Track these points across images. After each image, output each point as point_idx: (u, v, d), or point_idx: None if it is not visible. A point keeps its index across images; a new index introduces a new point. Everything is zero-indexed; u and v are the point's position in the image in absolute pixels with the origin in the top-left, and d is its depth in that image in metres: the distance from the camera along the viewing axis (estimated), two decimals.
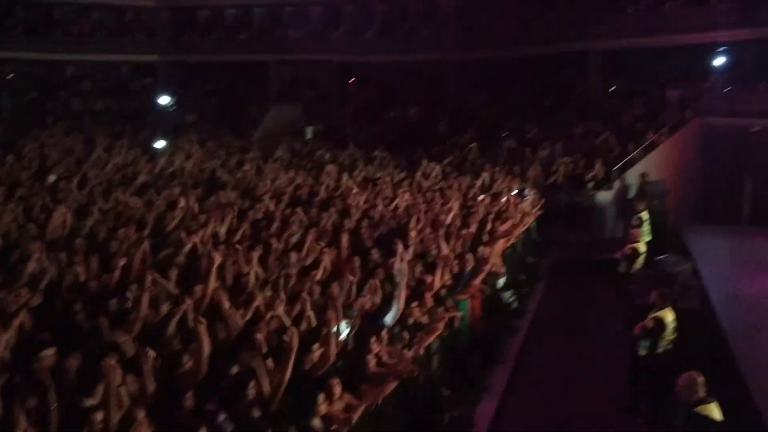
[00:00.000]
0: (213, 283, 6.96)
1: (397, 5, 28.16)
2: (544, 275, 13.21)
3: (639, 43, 20.39)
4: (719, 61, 18.93)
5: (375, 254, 9.56)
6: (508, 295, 10.65)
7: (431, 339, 7.72)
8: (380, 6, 28.50)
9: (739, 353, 7.41)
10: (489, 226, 11.63)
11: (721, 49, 18.83)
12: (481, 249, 10.35)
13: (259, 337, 6.10)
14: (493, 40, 25.15)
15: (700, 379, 5.47)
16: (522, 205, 13.57)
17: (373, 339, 6.84)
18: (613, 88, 22.42)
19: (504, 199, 13.49)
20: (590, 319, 10.78)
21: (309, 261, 8.91)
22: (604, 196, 16.25)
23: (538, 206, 14.28)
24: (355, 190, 13.54)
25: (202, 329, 5.65)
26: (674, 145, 17.46)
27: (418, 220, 11.22)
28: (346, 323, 6.85)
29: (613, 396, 8.02)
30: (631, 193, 16.08)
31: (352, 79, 29.23)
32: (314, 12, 29.31)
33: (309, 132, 24.25)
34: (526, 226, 13.11)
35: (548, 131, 19.97)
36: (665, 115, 18.54)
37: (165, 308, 6.59)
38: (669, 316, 7.69)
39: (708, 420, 5.21)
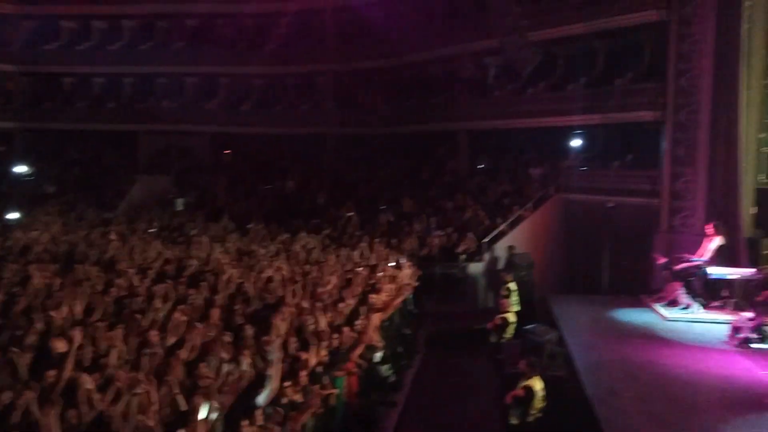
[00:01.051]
0: (70, 365, 6.46)
1: (273, 80, 28.70)
2: (420, 347, 13.41)
3: (504, 124, 21.99)
4: (576, 142, 20.77)
5: (248, 330, 9.30)
6: (385, 369, 10.66)
7: (305, 418, 7.52)
8: (257, 80, 28.93)
9: (601, 417, 7.83)
10: (367, 299, 11.72)
11: (577, 131, 20.71)
12: (358, 322, 10.37)
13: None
14: (370, 118, 26.19)
15: None
16: (399, 277, 13.84)
17: (245, 421, 6.57)
18: (481, 166, 23.89)
19: (381, 272, 13.70)
20: (464, 390, 11.00)
21: (175, 339, 8.51)
22: (476, 268, 17.00)
23: (414, 278, 14.62)
24: (227, 264, 13.21)
25: (51, 420, 5.18)
26: (538, 220, 18.74)
27: (294, 294, 11.10)
28: (214, 405, 6.54)
29: None
30: (500, 265, 16.96)
31: (228, 150, 29.09)
32: (189, 83, 29.17)
33: (180, 204, 23.60)
34: (403, 298, 13.34)
35: (423, 205, 20.77)
36: (529, 191, 19.91)
37: (6, 397, 6.00)
38: (538, 384, 8.05)
39: None
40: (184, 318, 8.87)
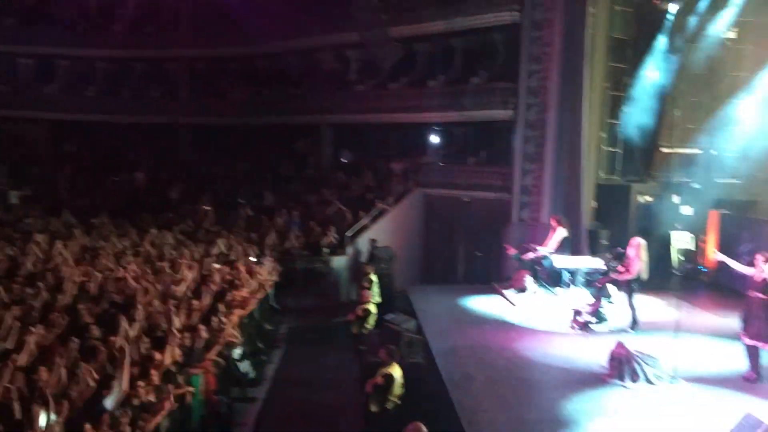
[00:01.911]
0: None
1: (120, 64, 27.22)
2: (282, 342, 13.45)
3: (366, 119, 22.48)
4: (435, 138, 21.69)
5: (95, 331, 8.89)
6: (245, 365, 10.61)
7: (159, 419, 7.34)
8: (102, 63, 27.27)
9: (456, 401, 8.33)
10: (225, 296, 11.58)
11: (436, 128, 21.63)
12: (216, 320, 10.25)
13: None
14: (227, 108, 25.64)
15: (424, 429, 6.05)
16: (259, 272, 13.77)
17: (88, 426, 6.30)
18: (344, 160, 24.24)
19: (240, 268, 13.56)
20: (326, 382, 11.20)
21: (10, 344, 7.96)
22: (338, 262, 17.29)
23: (275, 273, 14.61)
24: (70, 262, 12.47)
25: None
26: (399, 214, 19.38)
27: (146, 293, 10.73)
28: (53, 412, 6.22)
29: None
30: (362, 258, 17.37)
31: (70, 139, 27.22)
32: (22, 64, 26.92)
33: (14, 197, 21.78)
34: (263, 294, 13.30)
35: (284, 199, 20.74)
36: (391, 186, 20.54)
37: None
38: (396, 372, 8.41)
39: None
40: (17, 321, 8.31)
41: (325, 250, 17.43)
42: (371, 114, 22.08)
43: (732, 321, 10.02)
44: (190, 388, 8.45)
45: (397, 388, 8.33)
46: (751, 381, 8.87)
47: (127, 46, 26.29)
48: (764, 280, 8.71)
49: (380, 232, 18.28)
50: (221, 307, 10.93)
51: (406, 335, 10.51)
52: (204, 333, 9.70)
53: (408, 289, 15.18)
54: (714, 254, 11.37)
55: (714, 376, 9.09)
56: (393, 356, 8.55)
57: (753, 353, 8.93)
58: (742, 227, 13.86)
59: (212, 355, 9.48)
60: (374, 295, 13.21)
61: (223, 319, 10.31)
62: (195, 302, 10.89)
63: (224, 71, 26.59)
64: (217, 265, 13.44)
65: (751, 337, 8.88)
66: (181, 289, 11.36)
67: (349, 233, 17.84)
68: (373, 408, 8.28)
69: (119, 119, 26.09)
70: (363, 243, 17.84)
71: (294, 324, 14.65)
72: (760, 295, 8.76)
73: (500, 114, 18.27)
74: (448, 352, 10.27)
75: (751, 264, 8.98)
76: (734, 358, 9.32)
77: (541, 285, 13.79)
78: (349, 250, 17.67)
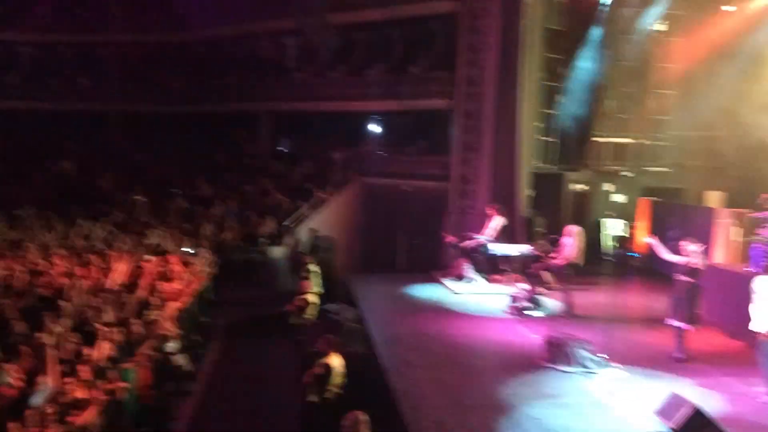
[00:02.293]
0: None
1: (46, 49, 26.08)
2: (219, 334, 13.23)
3: (305, 107, 22.28)
4: (375, 127, 21.69)
5: (19, 327, 8.54)
6: (180, 359, 10.37)
7: (90, 414, 7.11)
8: (25, 48, 26.08)
9: (396, 388, 8.39)
10: (159, 289, 11.32)
11: (376, 117, 21.63)
12: (150, 313, 10.00)
13: None
14: (160, 95, 24.94)
15: (363, 418, 6.02)
16: (194, 263, 13.50)
17: (12, 425, 6.06)
18: (282, 149, 23.98)
19: (175, 259, 13.26)
20: (265, 374, 11.09)
21: None
22: (277, 252, 17.12)
23: (212, 264, 14.36)
24: None
25: None
26: (340, 203, 19.34)
27: (74, 286, 10.37)
28: None
29: None
30: (302, 248, 17.25)
31: None
32: None
33: None
34: (199, 286, 13.05)
35: (221, 189, 20.37)
36: (331, 175, 20.45)
37: None
38: (336, 361, 8.38)
39: None
40: None
41: (264, 240, 17.23)
42: (310, 102, 21.92)
43: (661, 304, 10.40)
44: (123, 384, 8.22)
45: (337, 378, 8.30)
46: (678, 361, 9.27)
47: (54, 30, 25.20)
48: (690, 265, 9.10)
49: (320, 221, 18.20)
50: (155, 300, 10.67)
51: (347, 324, 10.52)
52: (137, 327, 9.47)
53: (348, 278, 15.18)
54: (645, 240, 11.79)
55: (644, 358, 9.45)
56: (332, 346, 8.52)
57: (679, 335, 9.33)
58: (671, 214, 14.42)
59: (146, 349, 9.24)
60: (314, 285, 13.13)
61: (157, 313, 10.07)
62: (127, 296, 10.60)
63: (158, 58, 25.83)
64: (150, 257, 13.10)
65: (678, 320, 9.28)
66: (112, 283, 11.04)
67: (288, 223, 17.68)
68: (312, 398, 8.24)
69: (45, 106, 25.03)
70: (302, 233, 17.73)
71: (232, 316, 14.43)
72: (687, 279, 9.15)
73: (439, 103, 18.41)
74: (389, 340, 10.33)
75: (677, 249, 9.37)
76: (663, 340, 9.71)
77: (480, 272, 14.02)
78: (288, 240, 17.52)
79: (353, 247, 19.24)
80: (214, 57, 24.89)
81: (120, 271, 11.52)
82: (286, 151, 23.84)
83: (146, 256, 13.08)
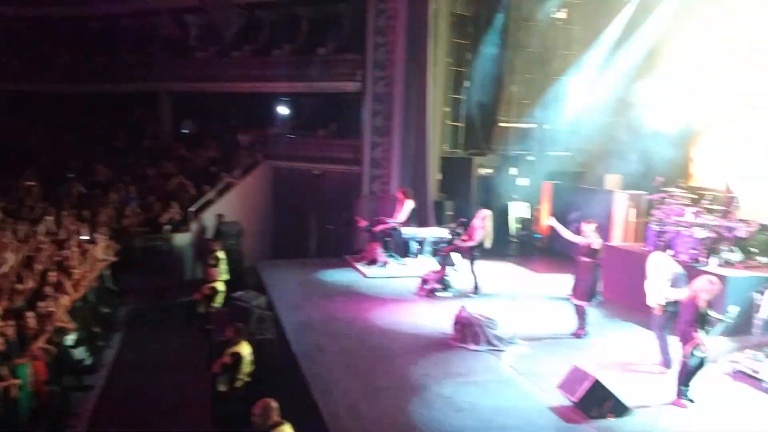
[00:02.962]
0: None
1: None
2: (121, 325, 12.76)
3: (208, 88, 21.58)
4: (283, 110, 21.37)
5: None
6: (79, 352, 9.94)
7: None
8: None
9: (307, 374, 8.38)
10: (53, 278, 10.75)
11: (284, 99, 21.29)
12: (43, 305, 9.50)
13: None
14: (51, 73, 23.49)
15: (274, 405, 5.99)
16: (92, 252, 12.91)
17: None
18: (186, 131, 23.20)
19: (70, 247, 12.63)
20: (171, 364, 10.82)
21: None
22: (182, 239, 16.63)
23: (112, 252, 13.79)
24: None
25: None
26: (247, 187, 18.98)
27: None
28: None
29: None
30: (208, 234, 16.84)
31: None
32: None
33: None
34: (97, 275, 12.52)
35: (120, 173, 19.52)
36: (238, 158, 20.00)
37: None
38: (245, 349, 8.27)
39: None
40: None
41: (167, 226, 16.69)
42: (213, 83, 21.25)
43: (564, 283, 10.89)
44: (16, 380, 7.79)
45: (246, 366, 8.20)
46: (580, 337, 9.77)
47: None
48: (590, 245, 9.57)
49: (227, 206, 17.80)
50: (49, 290, 10.14)
51: (257, 312, 10.36)
52: (31, 319, 8.98)
53: (258, 264, 14.97)
54: (546, 221, 12.27)
55: (548, 335, 9.89)
56: (241, 334, 8.41)
57: (581, 312, 9.83)
58: (572, 196, 15.06)
59: (41, 342, 8.79)
60: (222, 273, 12.87)
61: (52, 304, 9.57)
62: (18, 286, 10.02)
63: (49, 33, 24.28)
64: (43, 246, 12.41)
65: (579, 298, 9.76)
66: (1, 272, 10.40)
67: (193, 208, 17.19)
68: (222, 388, 8.12)
69: None
70: (209, 218, 17.30)
71: (134, 306, 13.95)
72: (586, 259, 9.62)
73: (348, 86, 18.34)
74: (300, 326, 10.29)
75: (578, 231, 9.82)
76: (566, 317, 10.18)
77: (391, 256, 14.18)
78: (194, 226, 17.06)
79: (262, 233, 18.98)
80: (111, 33, 23.64)
81: (9, 260, 10.84)
82: (189, 132, 23.07)
83: (39, 245, 12.37)
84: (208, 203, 17.66)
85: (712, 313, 7.30)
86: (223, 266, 13.06)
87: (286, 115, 21.38)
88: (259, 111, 21.85)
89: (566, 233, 10.09)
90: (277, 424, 5.91)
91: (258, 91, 20.96)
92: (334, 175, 18.15)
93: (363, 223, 14.94)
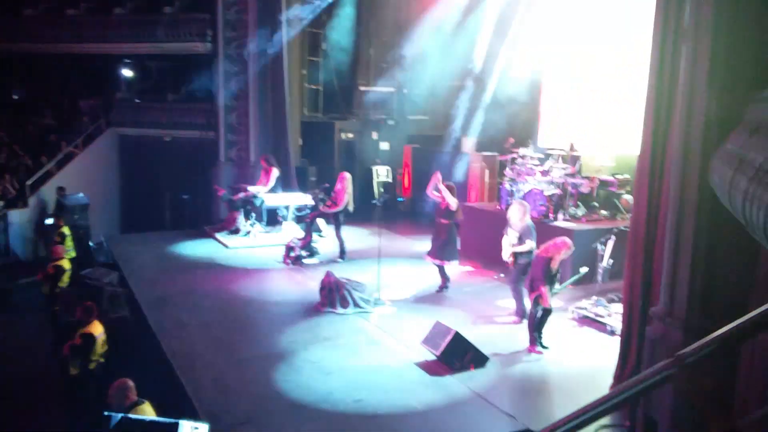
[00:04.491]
0: None
1: None
2: None
3: (40, 49, 19.87)
4: (128, 72, 20.16)
5: None
6: None
7: None
8: None
9: (167, 350, 8.13)
10: None
11: (128, 61, 20.06)
12: None
13: None
14: None
15: (130, 384, 5.80)
16: None
17: None
18: (15, 97, 21.29)
19: None
20: (14, 351, 10.10)
21: None
22: (19, 215, 15.39)
23: None
24: None
25: None
26: (91, 157, 17.85)
27: None
28: None
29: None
30: (49, 209, 15.70)
31: None
32: None
33: None
34: None
35: None
36: (79, 126, 18.71)
37: None
38: (97, 329, 7.85)
39: (139, 421, 5.57)
40: None
41: (1, 203, 15.35)
42: (46, 44, 19.60)
43: (424, 244, 11.28)
44: None
45: (100, 347, 7.80)
46: (443, 289, 10.25)
47: None
48: (447, 206, 9.97)
49: (69, 178, 16.66)
50: None
51: (108, 289, 9.86)
52: None
53: (108, 239, 14.20)
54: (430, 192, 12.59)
55: (412, 294, 10.26)
56: (92, 313, 7.96)
57: (440, 270, 10.28)
58: (431, 160, 15.55)
59: None
60: (68, 250, 12.06)
61: None
62: None
63: None
64: None
65: (436, 257, 10.19)
66: None
67: (29, 182, 15.91)
68: (73, 371, 7.67)
69: None
70: (48, 192, 16.07)
71: None
72: (444, 221, 10.04)
73: (198, 47, 17.63)
74: (157, 301, 9.94)
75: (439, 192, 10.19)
76: (428, 276, 10.59)
77: (254, 224, 13.98)
78: (32, 201, 15.80)
79: (111, 206, 17.97)
80: None
81: None
82: (19, 98, 21.16)
83: None
84: (47, 175, 16.40)
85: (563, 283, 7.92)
86: (69, 243, 12.26)
87: (131, 78, 20.20)
88: (101, 75, 20.48)
89: (431, 190, 10.30)
90: (136, 404, 5.75)
91: (97, 53, 19.59)
92: (187, 142, 17.50)
93: (221, 192, 14.57)
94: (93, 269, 11.02)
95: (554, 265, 7.81)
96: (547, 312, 7.96)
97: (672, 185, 5.43)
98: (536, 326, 8.02)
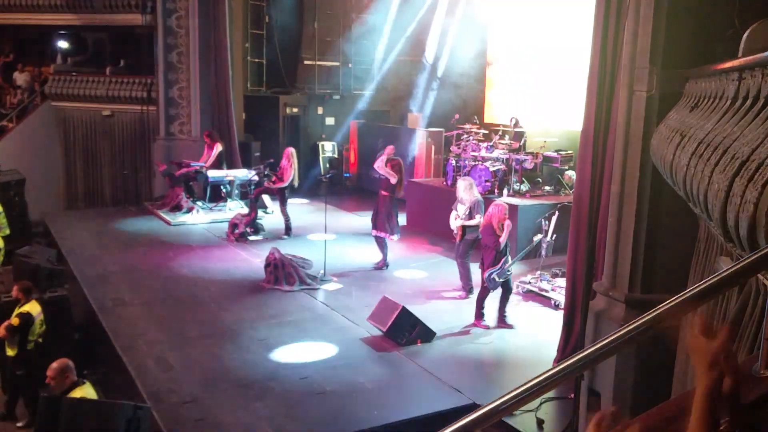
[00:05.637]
0: None
1: None
2: None
3: None
4: (64, 44, 19.26)
5: None
6: None
7: None
8: None
9: (109, 328, 7.87)
10: None
11: (64, 32, 19.14)
12: None
13: None
14: None
15: (70, 365, 5.62)
16: None
17: None
18: None
19: None
20: None
21: None
22: None
23: None
24: None
25: None
26: (26, 131, 17.04)
27: None
28: None
29: None
30: None
31: None
32: None
33: None
34: None
35: None
36: (12, 99, 17.85)
37: None
38: (35, 308, 7.56)
39: (79, 402, 5.39)
40: None
41: None
42: None
43: (369, 219, 11.21)
44: None
45: (38, 327, 7.51)
46: (382, 268, 10.19)
47: None
48: (388, 180, 9.90)
49: (3, 154, 15.84)
50: None
51: (45, 267, 9.46)
52: None
53: (45, 217, 13.65)
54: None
55: (357, 269, 10.20)
56: (29, 293, 7.66)
57: (381, 244, 10.24)
58: (378, 135, 15.44)
59: None
60: (1, 227, 11.54)
61: None
62: None
63: None
64: None
65: (378, 230, 10.14)
66: None
67: None
68: (10, 352, 7.37)
69: None
70: None
71: None
72: (385, 193, 9.99)
73: (136, 18, 16.89)
74: (98, 279, 9.63)
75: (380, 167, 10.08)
76: (372, 252, 10.54)
77: (197, 200, 13.63)
78: None
79: (48, 181, 17.20)
80: None
81: None
82: None
83: None
84: None
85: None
86: (3, 220, 11.72)
87: (67, 50, 19.30)
88: (35, 46, 19.49)
89: (378, 164, 10.16)
90: (76, 384, 5.58)
91: (28, 23, 18.58)
92: (126, 116, 16.86)
93: (162, 167, 14.14)
94: (30, 247, 10.57)
95: (499, 232, 7.84)
96: (508, 290, 8.07)
97: (614, 161, 5.48)
98: (484, 300, 8.08)
